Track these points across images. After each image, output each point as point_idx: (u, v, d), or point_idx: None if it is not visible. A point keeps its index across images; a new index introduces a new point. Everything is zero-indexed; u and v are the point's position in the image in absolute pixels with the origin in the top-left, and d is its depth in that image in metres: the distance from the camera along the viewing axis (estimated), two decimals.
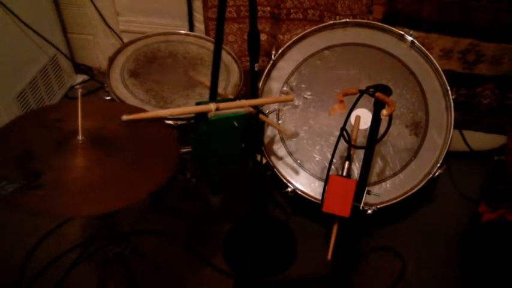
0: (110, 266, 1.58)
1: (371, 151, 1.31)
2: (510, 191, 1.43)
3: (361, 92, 1.21)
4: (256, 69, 1.34)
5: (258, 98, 1.39)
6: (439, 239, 1.74)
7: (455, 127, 1.66)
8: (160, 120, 1.27)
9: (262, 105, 1.41)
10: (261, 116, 1.37)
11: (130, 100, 1.55)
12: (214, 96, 1.33)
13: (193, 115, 1.35)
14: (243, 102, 1.32)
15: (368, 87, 1.21)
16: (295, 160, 1.68)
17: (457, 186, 1.91)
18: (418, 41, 1.71)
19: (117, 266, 1.47)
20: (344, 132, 1.34)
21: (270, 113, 1.65)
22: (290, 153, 1.69)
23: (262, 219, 1.77)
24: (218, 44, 1.29)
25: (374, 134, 1.26)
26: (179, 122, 1.46)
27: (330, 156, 1.41)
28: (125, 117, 1.20)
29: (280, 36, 2.03)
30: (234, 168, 1.60)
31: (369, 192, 1.50)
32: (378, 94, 1.19)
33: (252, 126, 1.37)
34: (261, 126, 1.42)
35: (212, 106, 1.25)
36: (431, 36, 1.85)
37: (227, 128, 1.30)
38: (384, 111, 1.17)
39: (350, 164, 1.53)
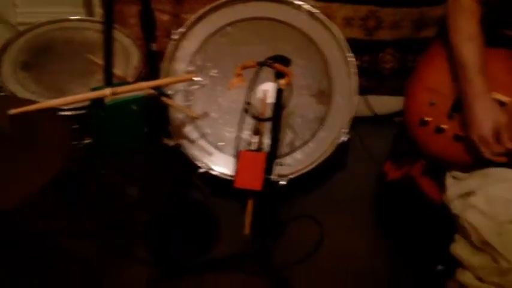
0: (28, 267, 1.50)
1: (277, 122, 1.32)
2: (411, 149, 1.49)
3: (260, 64, 1.21)
4: (154, 49, 1.29)
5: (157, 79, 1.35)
6: (353, 202, 1.79)
7: (361, 93, 1.70)
8: (53, 112, 1.21)
9: (163, 86, 1.37)
10: (163, 98, 1.33)
11: (23, 94, 1.46)
12: (109, 81, 1.27)
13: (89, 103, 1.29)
14: (142, 84, 1.27)
15: (266, 59, 1.21)
16: (207, 140, 1.66)
17: (367, 150, 1.97)
18: (321, 11, 1.72)
19: (36, 266, 1.41)
20: (249, 106, 1.33)
21: (173, 94, 1.61)
22: (202, 135, 1.67)
23: (180, 204, 1.74)
24: (108, 25, 1.23)
25: (278, 105, 1.27)
26: (77, 112, 1.39)
27: (241, 134, 1.40)
28: (12, 112, 1.12)
29: (184, 16, 1.98)
30: (140, 154, 1.55)
31: (281, 164, 1.51)
32: (275, 65, 1.20)
33: (154, 109, 1.32)
34: (164, 108, 1.38)
35: (107, 91, 1.20)
36: (333, 5, 1.88)
37: (126, 113, 1.25)
38: (282, 81, 1.18)
39: (260, 138, 1.53)
